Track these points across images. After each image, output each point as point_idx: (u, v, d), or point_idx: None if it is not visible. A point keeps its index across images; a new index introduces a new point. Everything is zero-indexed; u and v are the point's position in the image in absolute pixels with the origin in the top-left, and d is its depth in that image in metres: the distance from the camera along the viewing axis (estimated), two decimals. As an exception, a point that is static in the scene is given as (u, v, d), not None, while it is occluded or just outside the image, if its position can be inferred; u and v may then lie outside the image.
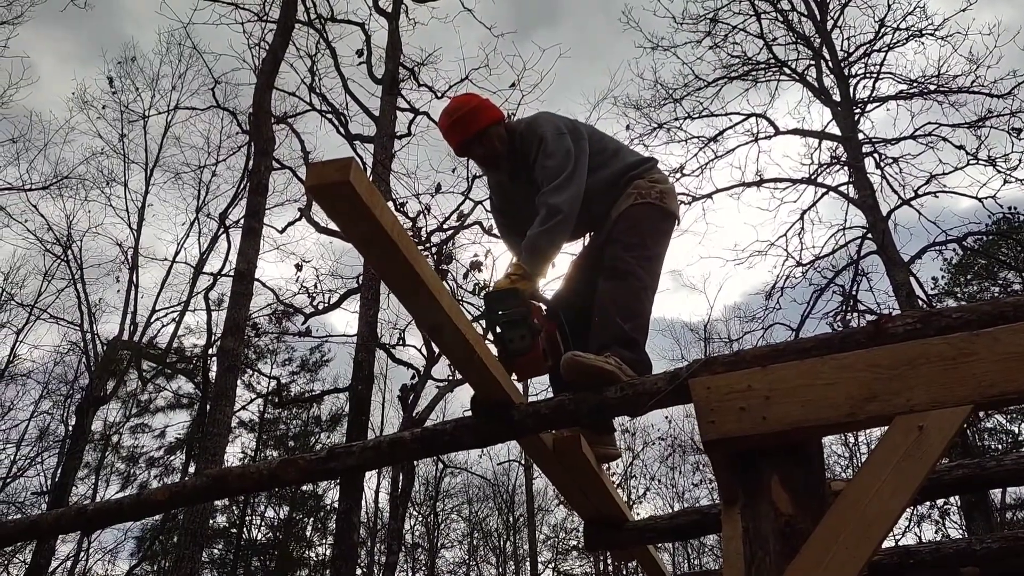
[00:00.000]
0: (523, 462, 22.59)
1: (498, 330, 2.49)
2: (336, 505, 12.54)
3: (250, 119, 10.01)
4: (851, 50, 13.85)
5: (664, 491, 22.64)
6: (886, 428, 1.85)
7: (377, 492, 23.01)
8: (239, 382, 20.26)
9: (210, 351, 14.66)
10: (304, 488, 22.99)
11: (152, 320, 17.60)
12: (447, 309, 1.84)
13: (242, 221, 9.61)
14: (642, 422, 22.95)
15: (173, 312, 17.75)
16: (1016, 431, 19.70)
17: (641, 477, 22.35)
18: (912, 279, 11.79)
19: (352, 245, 1.67)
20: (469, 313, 12.41)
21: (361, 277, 11.88)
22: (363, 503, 16.22)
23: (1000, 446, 18.71)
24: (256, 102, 9.02)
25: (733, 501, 2.12)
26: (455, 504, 26.05)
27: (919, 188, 12.61)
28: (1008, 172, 11.95)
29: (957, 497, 12.84)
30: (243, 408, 20.45)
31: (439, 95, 13.56)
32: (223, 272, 16.17)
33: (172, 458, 21.55)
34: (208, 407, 8.95)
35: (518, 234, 3.01)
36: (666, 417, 22.05)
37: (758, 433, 1.91)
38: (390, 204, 11.80)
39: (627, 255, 2.80)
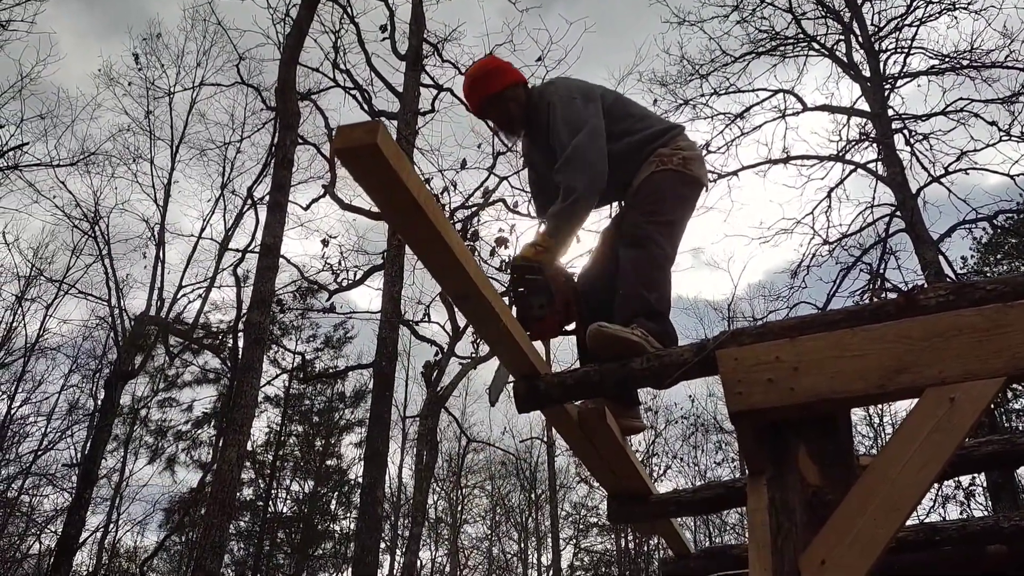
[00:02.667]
0: (546, 439, 22.70)
1: (520, 291, 2.60)
2: (360, 480, 12.68)
3: (276, 94, 10.03)
4: (882, 24, 13.57)
5: (686, 470, 22.69)
6: (916, 400, 1.83)
7: (401, 467, 23.29)
8: (265, 357, 20.54)
9: (239, 326, 14.83)
10: (328, 463, 23.32)
11: (179, 296, 17.80)
12: (473, 276, 1.84)
13: (267, 197, 9.67)
14: (665, 401, 22.98)
15: (199, 288, 17.94)
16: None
17: (663, 455, 22.42)
18: (941, 258, 11.62)
19: (378, 211, 1.67)
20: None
21: (385, 253, 11.92)
22: (387, 478, 16.40)
23: (1028, 428, 18.48)
24: (281, 77, 9.02)
25: (760, 472, 2.11)
26: (478, 480, 26.29)
27: (949, 165, 12.39)
28: (1043, 148, 11.71)
29: (983, 477, 12.72)
30: (268, 383, 20.71)
31: (463, 71, 13.48)
32: (250, 248, 16.29)
33: (199, 432, 21.90)
34: (235, 380, 9.05)
35: (544, 195, 3.06)
36: (689, 396, 22.04)
37: (786, 404, 1.89)
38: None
39: (644, 220, 2.77)
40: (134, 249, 19.15)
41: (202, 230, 18.42)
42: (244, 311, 14.19)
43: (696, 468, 22.66)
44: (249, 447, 21.95)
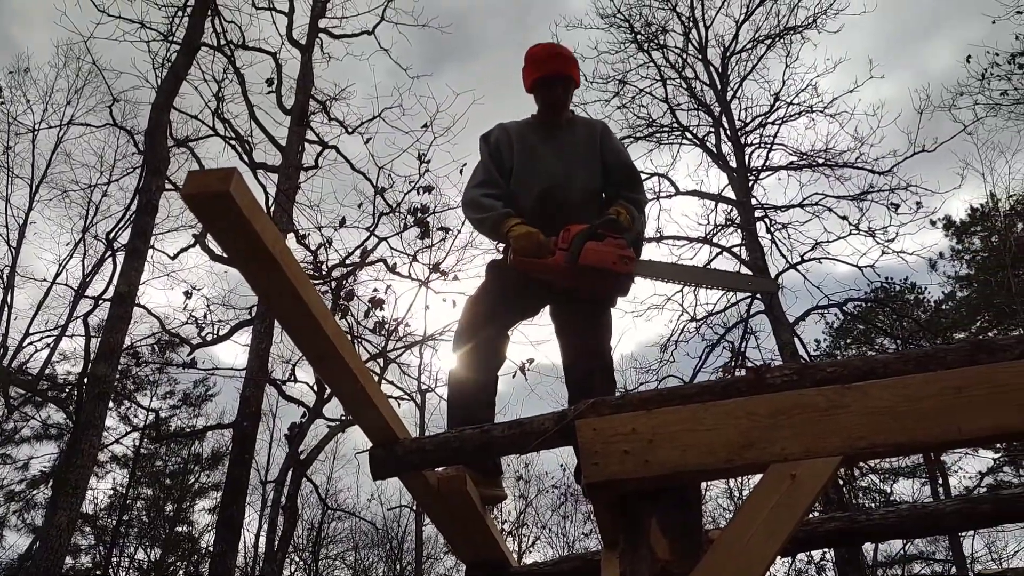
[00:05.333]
0: (414, 508, 22.14)
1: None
2: (212, 548, 11.90)
3: (145, 137, 9.62)
4: (748, 120, 14.60)
5: (555, 540, 22.59)
6: (761, 476, 1.89)
7: (257, 535, 22.03)
8: (115, 414, 19.22)
9: (85, 379, 13.82)
10: (179, 529, 21.84)
11: (25, 344, 16.55)
12: (331, 336, 1.77)
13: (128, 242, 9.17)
14: (537, 469, 22.95)
15: (49, 336, 16.74)
16: (888, 490, 20.71)
17: (533, 525, 22.27)
18: (796, 339, 12.33)
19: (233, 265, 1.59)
20: (367, 351, 12.16)
21: (255, 309, 11.49)
22: (241, 547, 15.47)
23: (873, 504, 19.61)
24: (152, 120, 8.68)
25: (613, 545, 2.11)
26: (340, 550, 25.21)
27: (805, 254, 13.29)
28: (886, 244, 12.75)
29: (832, 553, 13.31)
30: (116, 442, 19.34)
31: (350, 130, 13.43)
32: (103, 296, 15.34)
33: (35, 492, 20.06)
34: (74, 437, 8.39)
35: (525, 177, 3.15)
36: (561, 465, 22.09)
37: (640, 476, 1.91)
38: (291, 236, 11.53)
39: (609, 348, 3.03)
40: (-22, 293, 17.67)
41: (57, 275, 17.29)
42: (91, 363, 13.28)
43: (564, 539, 22.61)
44: (90, 510, 20.36)
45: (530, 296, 3.11)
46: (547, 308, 3.21)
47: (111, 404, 11.89)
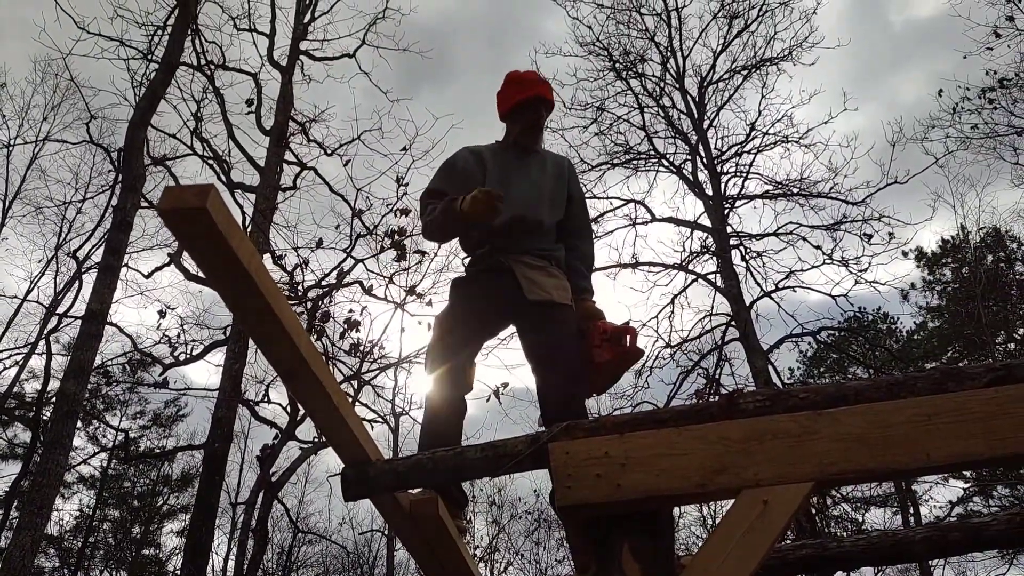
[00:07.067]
0: (386, 532, 21.88)
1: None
2: (179, 572, 11.67)
3: (121, 155, 9.53)
4: (724, 149, 14.75)
5: (528, 567, 22.43)
6: (733, 501, 1.89)
7: (226, 559, 21.67)
8: (83, 433, 18.87)
9: (48, 396, 13.59)
10: (145, 552, 21.42)
11: (-7, 362, 16.22)
12: (304, 353, 1.76)
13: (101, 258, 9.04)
14: (510, 495, 22.82)
15: (18, 354, 16.47)
16: (859, 519, 20.82)
17: (505, 551, 22.10)
18: (770, 367, 12.40)
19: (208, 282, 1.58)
20: (341, 373, 12.06)
21: (229, 329, 11.39)
22: (210, 570, 15.15)
23: (845, 532, 19.68)
24: (129, 137, 8.63)
25: (585, 570, 2.10)
26: (310, 575, 24.84)
27: (779, 282, 13.39)
28: (859, 273, 12.90)
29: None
30: (84, 462, 18.99)
31: (329, 152, 13.44)
32: (68, 313, 15.11)
33: (-2, 513, 19.60)
34: (39, 456, 8.21)
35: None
36: (534, 491, 22.00)
37: (613, 500, 1.91)
38: (267, 256, 11.45)
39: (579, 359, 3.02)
40: (-57, 309, 17.39)
41: (28, 292, 17.04)
42: (52, 381, 13.10)
43: (537, 565, 22.45)
44: (55, 531, 19.90)
45: (493, 315, 3.10)
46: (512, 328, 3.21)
47: (79, 424, 11.68)
